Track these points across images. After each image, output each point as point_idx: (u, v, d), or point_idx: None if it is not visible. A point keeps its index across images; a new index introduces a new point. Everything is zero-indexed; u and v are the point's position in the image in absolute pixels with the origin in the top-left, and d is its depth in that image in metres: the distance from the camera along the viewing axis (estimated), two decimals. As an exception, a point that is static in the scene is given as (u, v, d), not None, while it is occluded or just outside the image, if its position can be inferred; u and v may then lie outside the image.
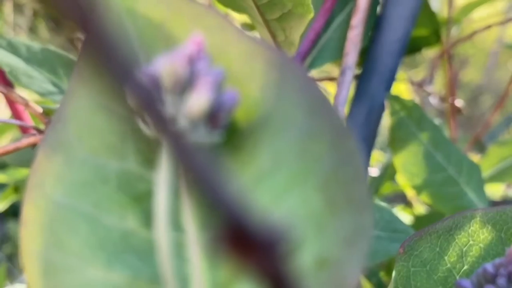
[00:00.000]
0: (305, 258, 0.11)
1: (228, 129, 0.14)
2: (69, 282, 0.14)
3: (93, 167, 0.15)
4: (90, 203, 0.14)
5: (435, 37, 0.51)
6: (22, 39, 0.44)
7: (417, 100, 0.95)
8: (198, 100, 0.12)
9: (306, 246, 0.11)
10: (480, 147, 0.68)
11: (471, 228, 0.21)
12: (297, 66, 0.13)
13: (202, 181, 0.07)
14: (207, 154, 0.09)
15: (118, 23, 0.14)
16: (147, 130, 0.13)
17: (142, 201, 0.14)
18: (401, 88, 0.68)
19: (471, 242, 0.21)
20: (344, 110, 0.40)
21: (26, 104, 0.33)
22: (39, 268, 0.14)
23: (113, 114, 0.15)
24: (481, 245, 0.21)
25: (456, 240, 0.21)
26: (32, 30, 2.36)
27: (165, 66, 0.12)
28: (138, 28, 0.15)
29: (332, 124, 0.12)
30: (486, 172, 0.59)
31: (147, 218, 0.14)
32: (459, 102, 0.56)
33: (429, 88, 0.59)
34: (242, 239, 0.06)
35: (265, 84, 0.14)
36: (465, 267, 0.21)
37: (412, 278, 0.21)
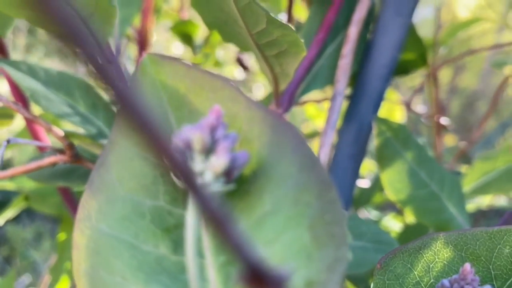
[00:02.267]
0: (297, 281, 0.16)
1: (238, 177, 0.18)
2: (114, 295, 0.18)
3: (131, 204, 0.19)
4: (130, 234, 0.18)
5: (421, 61, 0.56)
6: (39, 63, 0.47)
7: (408, 116, 0.99)
8: (219, 162, 0.16)
9: (298, 272, 0.16)
10: (466, 159, 0.72)
11: (437, 247, 0.25)
12: (293, 128, 0.17)
13: (216, 222, 0.11)
14: (223, 202, 0.13)
15: (153, 92, 0.18)
16: (177, 180, 0.17)
17: (171, 232, 0.18)
18: (393, 107, 0.73)
19: (436, 259, 0.25)
20: (335, 131, 0.44)
21: (49, 129, 0.37)
22: (88, 284, 0.18)
23: (147, 162, 0.19)
24: (445, 262, 0.25)
25: (424, 258, 0.25)
26: (31, 33, 2.39)
27: (194, 134, 0.16)
28: (168, 95, 0.19)
29: (318, 178, 0.16)
30: (470, 185, 0.63)
31: (175, 246, 0.18)
32: (444, 120, 0.61)
33: (418, 107, 0.63)
34: (258, 279, 0.10)
35: (267, 143, 0.18)
36: (431, 280, 0.25)
37: (387, 290, 0.25)
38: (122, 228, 0.18)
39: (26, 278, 1.67)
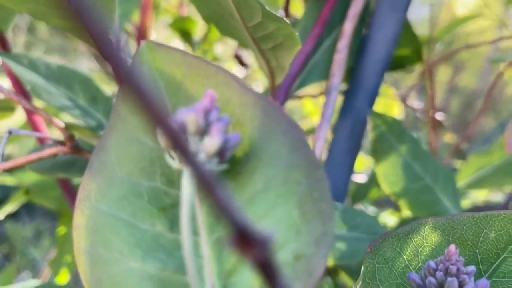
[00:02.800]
0: (286, 254, 0.16)
1: (231, 159, 0.19)
2: (113, 271, 0.19)
3: (129, 185, 0.20)
4: (128, 213, 0.19)
5: (416, 56, 0.56)
6: (39, 55, 0.48)
7: (407, 113, 1.01)
8: (212, 143, 0.17)
9: (287, 246, 0.16)
10: (462, 155, 0.73)
11: (425, 232, 0.26)
12: (283, 112, 0.18)
13: (214, 198, 0.12)
14: (219, 179, 0.14)
15: (151, 78, 0.19)
16: (172, 161, 0.18)
17: (167, 211, 0.19)
18: (391, 103, 0.73)
19: (425, 244, 0.26)
20: (330, 124, 0.45)
21: (50, 120, 0.38)
22: (88, 261, 0.19)
23: (145, 146, 0.20)
24: (433, 246, 0.26)
25: (413, 242, 0.26)
26: (31, 31, 2.39)
27: (189, 117, 0.17)
28: (165, 81, 0.19)
29: (307, 158, 0.17)
30: (465, 180, 0.64)
31: (171, 224, 0.19)
32: (439, 115, 0.62)
33: (415, 103, 0.64)
34: (245, 240, 0.11)
35: (259, 126, 0.19)
36: (420, 264, 0.26)
37: (377, 273, 0.26)
38: (120, 208, 0.19)
39: (25, 275, 1.67)
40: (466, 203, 0.89)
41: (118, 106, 0.21)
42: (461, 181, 0.64)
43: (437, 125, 0.62)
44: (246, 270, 0.18)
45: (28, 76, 0.44)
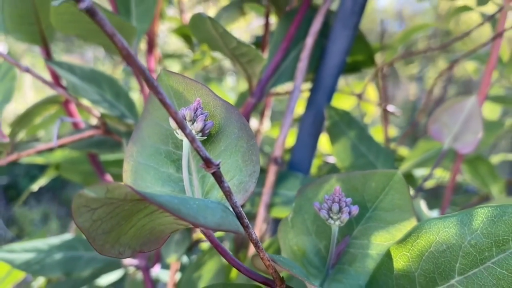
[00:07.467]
0: (235, 181, 0.34)
1: (208, 134, 0.37)
2: (146, 193, 0.37)
3: (154, 148, 0.38)
4: (154, 163, 0.37)
5: (370, 61, 0.74)
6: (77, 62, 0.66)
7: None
8: (198, 126, 0.34)
9: (235, 177, 0.34)
10: (414, 141, 0.90)
11: (332, 182, 0.44)
12: (236, 110, 0.36)
13: (196, 148, 0.30)
14: (201, 143, 0.31)
15: (166, 90, 0.37)
16: (177, 135, 0.36)
17: (175, 162, 0.37)
18: (368, 104, 0.90)
19: (331, 189, 0.44)
20: (293, 115, 0.62)
21: (89, 110, 0.56)
22: (132, 189, 0.37)
23: (162, 127, 0.38)
24: (336, 191, 0.44)
25: (325, 188, 0.44)
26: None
27: (186, 112, 0.35)
28: (174, 92, 0.37)
29: (248, 134, 0.35)
30: (412, 160, 0.82)
31: (177, 169, 0.37)
32: (391, 108, 0.79)
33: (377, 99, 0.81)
34: (208, 164, 0.29)
35: (223, 117, 0.36)
36: (327, 201, 0.43)
37: (301, 207, 0.44)
38: (150, 160, 0.37)
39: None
40: (431, 182, 1.07)
41: (147, 105, 0.39)
42: (409, 161, 0.82)
43: (387, 115, 0.80)
44: (215, 191, 0.36)
45: (68, 78, 0.62)
